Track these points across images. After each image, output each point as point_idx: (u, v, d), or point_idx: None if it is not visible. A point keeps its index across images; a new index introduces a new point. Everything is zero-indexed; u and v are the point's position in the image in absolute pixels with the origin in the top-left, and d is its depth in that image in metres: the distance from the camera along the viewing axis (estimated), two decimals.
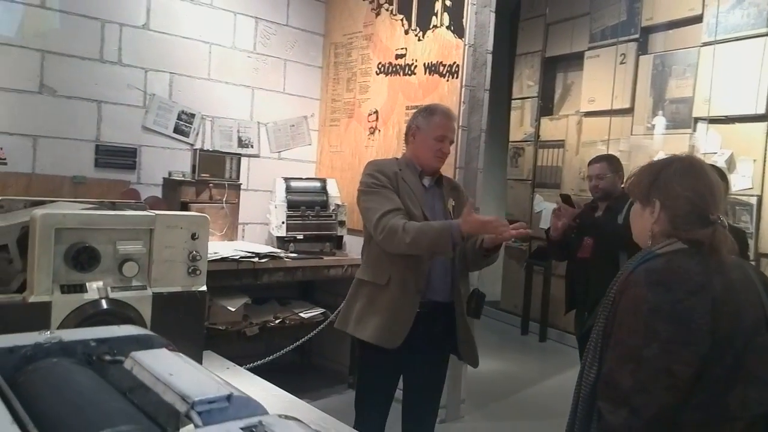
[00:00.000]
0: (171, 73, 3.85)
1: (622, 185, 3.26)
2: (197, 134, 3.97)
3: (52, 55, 3.43)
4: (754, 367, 1.30)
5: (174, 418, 0.56)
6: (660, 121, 5.29)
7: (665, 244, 1.36)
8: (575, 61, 6.27)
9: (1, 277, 1.32)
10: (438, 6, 3.68)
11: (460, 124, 3.55)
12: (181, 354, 0.74)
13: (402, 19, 3.90)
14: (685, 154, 1.58)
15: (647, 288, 1.29)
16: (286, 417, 0.54)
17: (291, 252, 3.82)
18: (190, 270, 1.41)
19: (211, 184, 3.83)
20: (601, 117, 5.87)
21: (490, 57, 3.65)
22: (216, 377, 0.66)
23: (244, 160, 4.13)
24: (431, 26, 3.71)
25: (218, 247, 3.59)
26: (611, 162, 3.33)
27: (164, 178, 3.83)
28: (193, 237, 1.41)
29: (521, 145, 6.79)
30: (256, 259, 3.51)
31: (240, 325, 3.62)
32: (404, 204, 2.29)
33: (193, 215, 1.42)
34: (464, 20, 3.53)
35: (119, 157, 3.69)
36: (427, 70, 3.73)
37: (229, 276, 3.47)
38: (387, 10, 4.00)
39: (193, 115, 3.93)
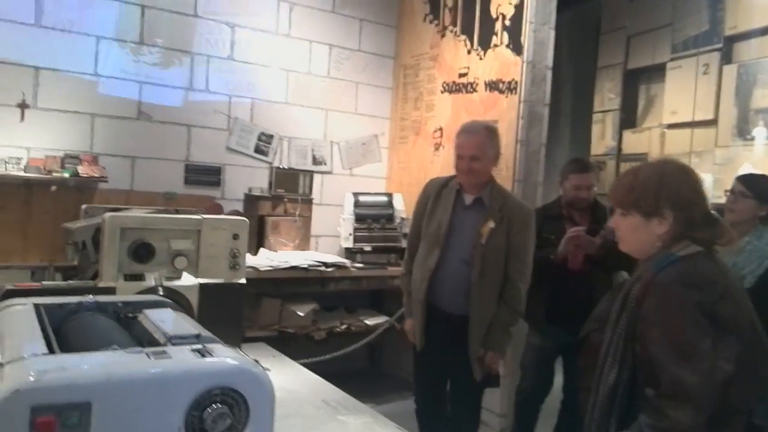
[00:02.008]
0: (252, 98, 4.22)
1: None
2: (275, 153, 4.31)
3: (149, 86, 3.89)
4: (749, 363, 1.35)
5: (156, 347, 0.77)
6: (761, 132, 5.07)
7: (682, 246, 1.40)
8: (658, 72, 6.14)
9: (80, 267, 1.61)
10: (498, 26, 3.81)
11: (519, 138, 3.65)
12: (180, 312, 0.95)
13: (465, 40, 4.07)
14: (663, 157, 1.58)
15: (685, 289, 1.33)
16: (225, 344, 0.73)
17: (358, 262, 4.05)
18: (231, 265, 1.65)
19: (285, 199, 4.15)
20: (683, 129, 5.71)
21: (549, 73, 3.73)
22: (195, 325, 0.86)
23: (317, 177, 4.43)
24: (492, 45, 3.85)
25: (290, 257, 3.87)
26: (595, 171, 3.24)
27: (245, 194, 4.19)
28: (235, 237, 1.64)
29: (603, 159, 6.69)
30: (322, 268, 3.76)
31: (309, 329, 3.87)
32: (428, 223, 2.59)
33: (234, 219, 1.66)
34: (522, 38, 3.64)
35: (206, 175, 4.09)
36: (488, 88, 3.86)
37: (298, 283, 3.75)
38: (451, 31, 4.19)
39: (271, 136, 4.28)
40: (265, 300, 3.82)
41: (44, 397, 0.57)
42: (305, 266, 3.74)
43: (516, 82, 3.67)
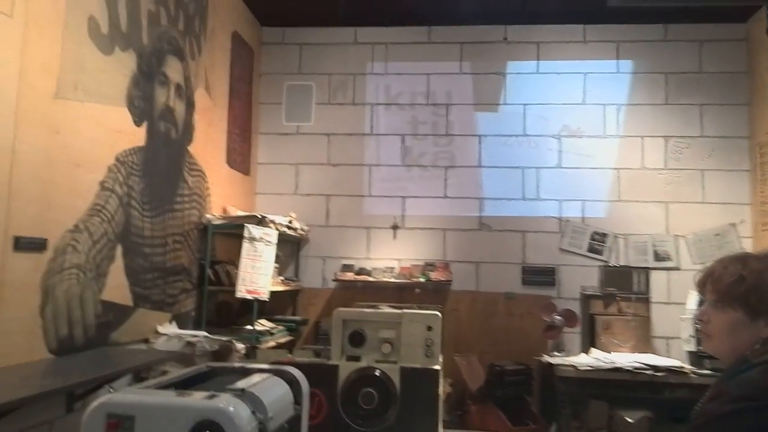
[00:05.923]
0: (582, 200, 4.38)
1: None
2: (610, 251, 4.30)
3: (487, 200, 4.48)
4: None
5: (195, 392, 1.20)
6: None
7: (760, 352, 1.14)
8: None
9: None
10: None
11: None
12: (279, 380, 1.35)
13: None
14: None
15: (731, 403, 1.10)
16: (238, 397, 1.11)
17: (705, 368, 3.61)
18: (426, 353, 1.95)
19: (618, 298, 4.06)
20: None
21: None
22: (264, 389, 1.25)
23: (663, 274, 4.20)
24: None
25: (621, 358, 3.75)
26: None
27: (580, 293, 4.28)
28: (428, 329, 1.96)
29: None
30: (651, 372, 3.51)
31: None
32: None
33: (427, 313, 1.97)
34: None
35: (541, 276, 4.37)
36: None
37: (624, 387, 3.60)
38: None
39: (605, 235, 4.32)
40: (592, 401, 3.75)
41: (112, 409, 1.07)
42: (631, 369, 3.57)
43: None
